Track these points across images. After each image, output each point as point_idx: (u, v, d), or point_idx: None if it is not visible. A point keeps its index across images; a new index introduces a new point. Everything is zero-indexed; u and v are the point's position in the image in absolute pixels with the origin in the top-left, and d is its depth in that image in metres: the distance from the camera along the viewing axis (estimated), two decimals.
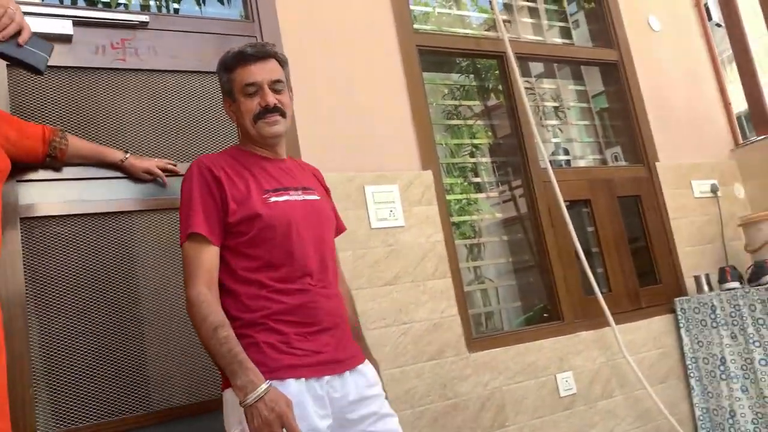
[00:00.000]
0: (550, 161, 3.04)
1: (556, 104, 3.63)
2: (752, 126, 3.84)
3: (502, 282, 3.46)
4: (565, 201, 2.96)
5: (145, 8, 2.58)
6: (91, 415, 1.90)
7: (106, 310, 1.99)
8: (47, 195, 1.97)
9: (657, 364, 3.05)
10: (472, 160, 3.61)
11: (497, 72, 3.29)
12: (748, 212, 3.54)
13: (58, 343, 1.91)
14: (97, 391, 1.92)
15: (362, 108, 2.62)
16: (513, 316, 3.41)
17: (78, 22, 2.11)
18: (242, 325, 1.55)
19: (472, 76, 3.63)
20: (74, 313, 1.94)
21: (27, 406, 1.80)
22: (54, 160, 1.91)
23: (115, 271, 2.03)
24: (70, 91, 2.09)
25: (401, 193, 2.59)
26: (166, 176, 2.13)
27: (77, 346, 1.93)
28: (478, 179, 3.56)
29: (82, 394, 1.90)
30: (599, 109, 3.66)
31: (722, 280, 3.09)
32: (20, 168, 1.89)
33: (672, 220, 3.33)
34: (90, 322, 1.96)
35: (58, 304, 1.93)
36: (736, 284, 3.03)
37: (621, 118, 3.50)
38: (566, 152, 3.61)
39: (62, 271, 1.96)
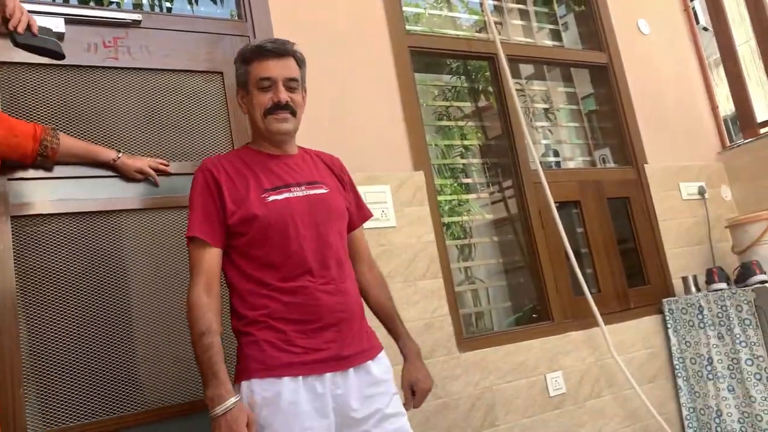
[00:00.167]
0: (540, 163, 3.06)
1: (546, 106, 3.65)
2: (739, 129, 3.89)
3: (493, 282, 3.48)
4: (555, 202, 2.98)
5: (137, 7, 2.57)
6: (81, 414, 1.90)
7: (96, 309, 1.98)
8: (39, 193, 1.97)
9: (645, 364, 3.08)
10: (463, 161, 3.62)
11: (488, 73, 3.31)
12: (734, 214, 3.58)
13: (48, 341, 1.90)
14: (87, 390, 1.92)
15: (354, 108, 2.63)
16: (503, 316, 3.43)
17: (70, 20, 2.10)
18: (246, 323, 1.59)
19: (463, 77, 3.64)
20: (65, 311, 1.94)
21: (17, 405, 1.80)
22: (45, 159, 1.90)
23: (107, 270, 2.03)
24: (61, 89, 2.08)
25: (393, 193, 2.60)
26: (159, 176, 2.13)
27: (68, 344, 1.92)
28: (469, 180, 3.58)
29: (73, 393, 1.90)
30: (588, 111, 3.69)
31: (709, 281, 3.12)
32: (11, 166, 1.88)
33: (660, 221, 3.36)
34: (81, 320, 1.95)
35: (49, 302, 1.92)
36: (723, 285, 3.07)
37: (610, 120, 3.53)
38: (556, 154, 3.64)
39: (53, 270, 1.95)
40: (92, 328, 1.96)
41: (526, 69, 3.69)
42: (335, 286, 1.63)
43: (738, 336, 2.86)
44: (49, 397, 1.87)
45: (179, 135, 2.24)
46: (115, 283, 2.03)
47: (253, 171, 1.67)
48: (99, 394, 1.93)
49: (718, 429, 2.92)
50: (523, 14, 3.65)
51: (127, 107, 2.18)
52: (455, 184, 3.55)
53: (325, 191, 1.71)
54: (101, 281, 2.01)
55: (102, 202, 2.05)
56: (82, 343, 1.94)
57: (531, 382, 2.74)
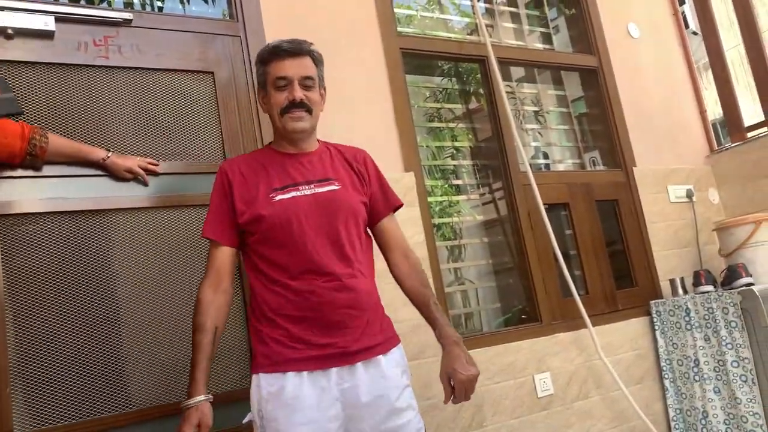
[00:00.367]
0: (530, 165, 3.07)
1: (536, 108, 3.67)
2: (727, 133, 3.93)
3: (482, 283, 3.49)
4: (544, 204, 3.00)
5: (128, 5, 2.57)
6: (68, 414, 1.89)
7: (84, 309, 1.98)
8: (27, 192, 1.96)
9: (633, 366, 3.10)
10: (454, 162, 3.64)
11: (479, 76, 3.32)
12: (722, 217, 3.62)
13: (35, 341, 1.89)
14: (75, 390, 1.91)
15: (345, 109, 2.63)
16: (492, 317, 3.44)
17: (60, 18, 2.09)
18: (257, 319, 1.68)
19: (454, 79, 3.66)
20: (52, 311, 1.93)
21: (3, 405, 1.79)
22: (34, 158, 1.90)
23: (96, 269, 2.02)
24: (51, 87, 2.07)
25: None
26: (149, 175, 2.12)
27: (55, 344, 1.92)
28: (459, 182, 3.59)
29: (60, 393, 1.89)
30: (578, 114, 3.71)
31: (697, 283, 3.15)
32: None
33: (648, 224, 3.39)
34: (69, 320, 1.95)
35: (36, 302, 1.92)
36: (709, 287, 3.09)
37: (599, 123, 3.55)
38: (546, 156, 3.66)
39: (41, 270, 1.94)
40: (80, 328, 1.96)
41: (517, 71, 3.71)
42: (340, 283, 1.64)
43: (724, 338, 2.89)
44: (37, 396, 1.86)
45: (169, 134, 2.24)
46: (104, 282, 2.03)
47: (267, 171, 1.73)
48: (87, 394, 1.93)
49: (704, 430, 2.94)
50: (514, 17, 3.67)
51: (117, 106, 2.17)
52: (446, 186, 3.56)
53: (335, 188, 1.72)
54: (90, 281, 2.00)
55: (91, 201, 2.05)
56: (70, 343, 1.94)
57: (519, 383, 2.75)
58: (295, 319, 1.63)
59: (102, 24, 2.18)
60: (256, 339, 1.67)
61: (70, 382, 1.91)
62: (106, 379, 1.96)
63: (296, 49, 1.72)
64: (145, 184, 2.12)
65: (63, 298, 1.95)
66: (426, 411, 2.47)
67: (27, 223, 1.95)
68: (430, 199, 2.95)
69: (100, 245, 2.05)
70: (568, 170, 3.56)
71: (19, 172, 1.94)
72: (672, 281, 3.23)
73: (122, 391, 1.98)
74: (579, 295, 2.94)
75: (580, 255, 3.19)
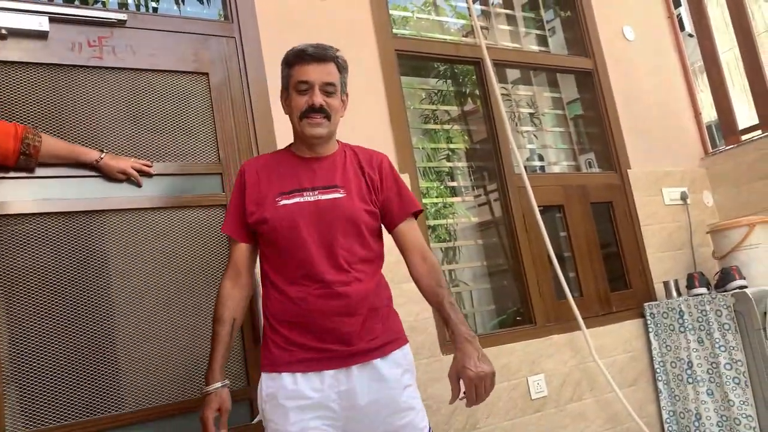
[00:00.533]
0: (525, 167, 3.08)
1: (531, 110, 3.68)
2: (721, 135, 3.94)
3: (477, 285, 3.49)
4: (539, 206, 3.00)
5: (123, 6, 2.56)
6: (61, 415, 1.89)
7: (78, 310, 1.97)
8: (20, 193, 1.95)
9: (626, 368, 3.11)
10: (449, 164, 3.64)
11: (474, 77, 3.32)
12: (716, 220, 3.63)
13: (29, 342, 1.89)
14: (68, 391, 1.91)
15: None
16: (487, 319, 3.45)
17: (54, 19, 2.09)
18: (264, 321, 1.75)
19: (449, 81, 3.66)
20: (46, 312, 1.93)
21: None
22: (28, 158, 1.89)
23: (89, 270, 2.02)
24: (45, 88, 2.07)
25: None
26: (143, 177, 2.12)
27: (49, 345, 1.91)
28: (454, 183, 3.59)
29: (54, 393, 1.89)
30: (573, 116, 3.72)
31: (690, 285, 3.15)
32: None
33: (643, 226, 3.40)
34: (62, 321, 1.94)
35: (29, 302, 1.91)
36: (703, 290, 3.10)
37: (595, 125, 3.56)
38: (541, 158, 3.67)
39: (34, 270, 1.94)
40: (74, 329, 1.95)
41: (513, 73, 3.72)
42: (331, 291, 1.65)
43: (717, 340, 2.90)
44: (30, 397, 1.86)
45: (164, 136, 2.24)
46: (98, 283, 2.02)
47: (280, 173, 1.76)
48: (81, 395, 1.92)
49: None
50: (510, 19, 3.68)
51: (111, 107, 2.17)
52: (441, 187, 3.56)
53: (338, 196, 1.72)
54: (83, 282, 2.00)
55: (85, 202, 2.04)
56: (63, 343, 1.93)
57: (513, 385, 2.76)
58: (291, 324, 1.67)
59: (96, 24, 2.18)
60: (262, 341, 1.74)
61: (64, 383, 1.91)
62: (100, 380, 1.96)
63: (321, 55, 1.73)
64: (138, 186, 2.12)
65: (56, 298, 1.95)
66: None
67: (20, 223, 1.95)
68: (425, 200, 2.96)
69: (94, 246, 2.04)
70: (563, 172, 3.56)
71: (12, 173, 1.93)
72: (666, 283, 3.24)
73: (117, 392, 1.98)
74: (573, 297, 2.95)
75: (575, 257, 3.19)
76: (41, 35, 2.07)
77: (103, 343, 1.99)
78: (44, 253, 1.96)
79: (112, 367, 1.99)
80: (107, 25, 2.20)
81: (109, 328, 2.01)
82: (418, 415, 1.69)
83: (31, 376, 1.87)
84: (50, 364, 1.90)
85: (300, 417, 1.60)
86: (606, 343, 3.07)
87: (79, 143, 2.06)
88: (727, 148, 3.75)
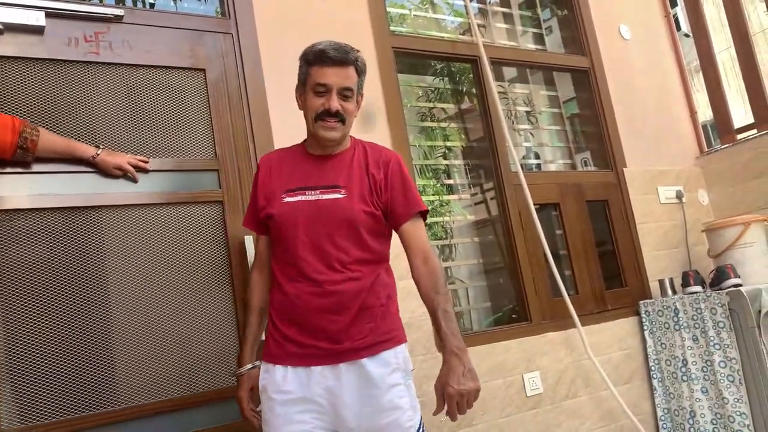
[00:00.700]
0: (521, 165, 3.08)
1: (528, 109, 3.68)
2: (717, 134, 3.95)
3: (473, 283, 3.50)
4: (535, 204, 3.01)
5: (119, 2, 2.55)
6: (56, 411, 1.89)
7: (74, 306, 1.97)
8: (16, 188, 1.95)
9: (621, 365, 3.12)
10: (445, 162, 3.64)
11: (471, 75, 3.33)
12: (711, 218, 3.64)
13: (25, 338, 1.89)
14: (63, 387, 1.91)
15: None
16: (482, 316, 3.45)
17: (51, 14, 2.09)
18: (268, 315, 1.81)
19: (446, 79, 3.66)
20: (41, 307, 1.92)
21: None
22: (25, 151, 1.88)
23: (85, 266, 2.02)
24: (41, 83, 2.06)
25: None
26: (139, 173, 2.12)
27: (45, 341, 1.91)
28: (450, 181, 3.59)
29: (48, 390, 1.89)
30: (570, 114, 3.72)
31: (685, 284, 3.17)
32: None
33: (638, 224, 3.41)
34: (58, 316, 1.94)
35: (25, 298, 1.91)
36: (698, 288, 3.12)
37: (591, 124, 3.56)
38: (537, 156, 3.67)
39: (30, 266, 1.94)
40: (70, 324, 1.95)
41: (509, 72, 3.72)
42: (322, 290, 1.67)
43: (712, 338, 2.91)
44: (25, 393, 1.85)
45: (160, 131, 2.24)
46: (94, 279, 2.02)
47: (290, 169, 1.80)
48: (76, 391, 1.92)
49: (692, 430, 2.97)
50: (507, 17, 3.68)
51: (107, 103, 2.17)
52: (437, 185, 3.56)
53: (338, 197, 1.73)
54: (79, 277, 2.00)
55: (81, 197, 2.04)
56: (59, 339, 1.93)
57: (508, 382, 2.76)
58: (287, 320, 1.71)
59: (93, 20, 2.17)
60: (265, 333, 1.81)
61: (60, 379, 1.91)
62: (96, 376, 1.96)
63: (342, 59, 1.71)
64: (135, 181, 2.12)
65: (52, 294, 1.95)
66: None
67: (16, 219, 1.94)
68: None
69: (90, 242, 2.04)
70: (559, 170, 3.57)
71: (9, 168, 1.93)
72: (661, 282, 3.25)
73: (112, 388, 1.98)
74: (568, 295, 2.95)
75: (570, 255, 3.20)
76: (37, 30, 2.06)
77: (99, 339, 1.99)
78: (40, 249, 1.96)
79: (108, 363, 1.99)
80: (104, 21, 2.19)
81: (105, 324, 2.01)
82: (405, 415, 1.68)
83: (27, 372, 1.87)
84: (46, 360, 1.90)
85: (285, 410, 1.66)
86: (601, 341, 3.08)
87: (75, 139, 2.05)
88: (723, 147, 3.76)
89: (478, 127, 3.28)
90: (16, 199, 1.94)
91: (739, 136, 3.76)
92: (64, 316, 1.95)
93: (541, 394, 2.83)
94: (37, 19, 2.05)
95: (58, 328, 1.94)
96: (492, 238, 3.35)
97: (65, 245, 2.00)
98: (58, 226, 2.00)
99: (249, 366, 1.82)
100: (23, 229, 1.95)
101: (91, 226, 2.05)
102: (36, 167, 1.97)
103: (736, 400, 2.82)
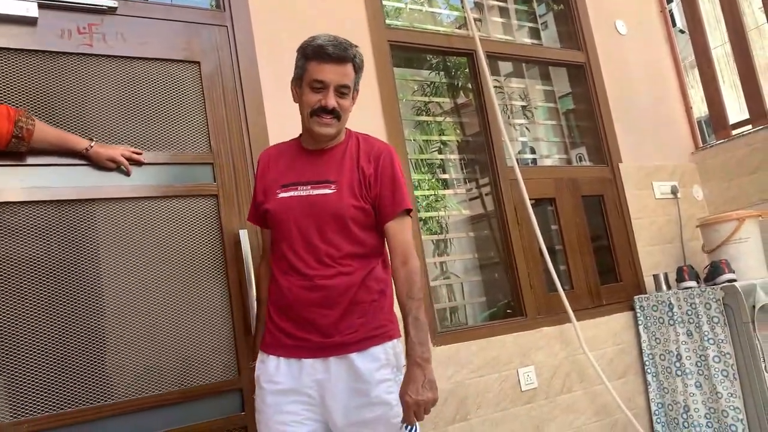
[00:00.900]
0: (517, 159, 3.08)
1: (523, 103, 3.68)
2: (712, 130, 3.95)
3: (468, 277, 3.50)
4: (530, 199, 3.00)
5: None
6: (49, 405, 1.87)
7: (66, 299, 1.96)
8: (8, 181, 1.93)
9: (616, 360, 3.12)
10: (441, 156, 3.63)
11: (467, 71, 3.32)
12: (705, 214, 3.65)
13: (15, 331, 1.87)
14: (56, 381, 1.90)
15: None
16: (477, 311, 3.45)
17: (43, 5, 2.07)
18: (266, 307, 1.84)
19: (442, 73, 3.65)
20: (33, 301, 1.91)
21: None
22: (20, 141, 1.86)
23: (78, 259, 2.00)
24: (33, 75, 2.04)
25: None
26: (133, 166, 2.10)
27: (36, 334, 1.90)
28: (446, 176, 3.58)
29: (41, 384, 1.88)
30: (566, 109, 3.72)
31: (680, 279, 3.17)
32: None
33: (633, 219, 3.41)
34: (50, 310, 1.93)
35: (17, 291, 1.89)
36: (693, 283, 3.12)
37: (586, 119, 3.56)
38: (533, 151, 3.67)
39: (22, 258, 1.92)
40: (62, 318, 1.94)
41: (505, 67, 3.71)
42: (312, 284, 1.70)
43: (706, 333, 2.92)
44: (17, 387, 1.84)
45: (154, 124, 2.22)
46: (87, 273, 2.01)
47: (285, 164, 1.82)
48: (69, 385, 1.91)
49: (686, 424, 2.98)
50: (503, 12, 3.67)
51: (101, 95, 2.15)
52: (432, 180, 3.55)
53: (328, 192, 1.73)
54: (72, 271, 1.98)
55: (75, 190, 2.02)
56: (52, 333, 1.92)
57: (503, 377, 2.77)
58: (281, 312, 1.75)
59: (86, 11, 2.15)
60: (265, 324, 1.83)
61: (52, 372, 1.90)
62: (90, 369, 1.95)
63: (340, 56, 1.71)
64: (128, 174, 2.10)
65: (45, 287, 1.93)
66: None
67: (8, 211, 1.93)
68: (416, 192, 2.95)
69: (83, 235, 2.03)
70: (554, 165, 3.57)
71: (1, 160, 1.91)
72: (656, 277, 3.25)
73: (106, 382, 1.97)
74: (564, 290, 2.96)
75: (566, 250, 3.20)
76: (30, 21, 2.04)
77: (93, 332, 1.98)
78: (33, 242, 1.95)
79: (102, 357, 1.98)
80: (97, 12, 2.17)
81: (98, 317, 2.00)
82: (393, 410, 1.67)
83: (19, 366, 1.86)
84: (38, 353, 1.89)
85: (276, 400, 1.69)
86: (596, 336, 3.08)
87: (69, 131, 2.03)
88: (718, 142, 3.76)
89: (474, 122, 3.27)
90: (8, 192, 1.92)
91: (734, 132, 3.77)
92: (57, 310, 1.94)
93: (536, 389, 2.84)
94: (29, 10, 2.03)
95: (51, 321, 1.92)
96: (487, 233, 3.34)
97: (58, 238, 1.99)
98: (51, 219, 1.99)
99: (259, 360, 1.84)
100: (16, 222, 1.93)
101: (85, 220, 2.04)
102: (30, 160, 1.96)
103: (729, 394, 2.83)
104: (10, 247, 1.91)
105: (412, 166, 3.11)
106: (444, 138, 3.60)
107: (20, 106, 1.99)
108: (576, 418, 2.93)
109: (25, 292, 1.91)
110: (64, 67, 2.10)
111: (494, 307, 3.35)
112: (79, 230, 2.02)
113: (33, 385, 1.87)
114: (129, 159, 2.09)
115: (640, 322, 3.21)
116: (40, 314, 1.91)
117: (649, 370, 3.14)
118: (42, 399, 1.87)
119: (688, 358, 2.99)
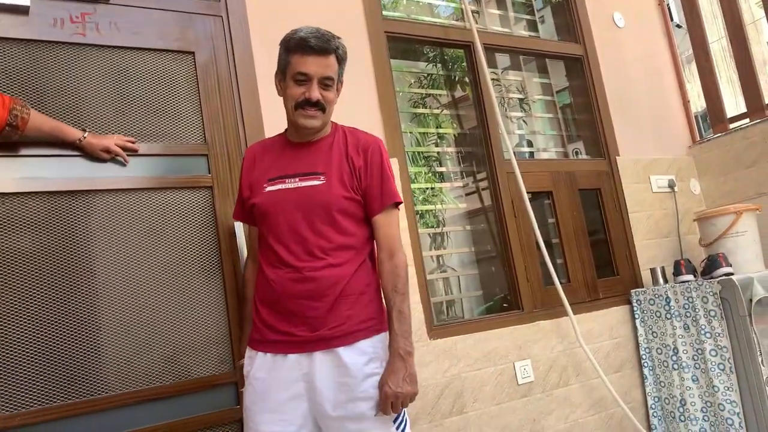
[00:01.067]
0: (514, 153, 3.07)
1: (521, 96, 3.66)
2: (709, 124, 3.95)
3: (465, 271, 3.49)
4: (527, 192, 2.99)
5: None
6: (43, 398, 1.86)
7: (59, 292, 1.94)
8: (1, 172, 1.90)
9: (612, 354, 3.12)
10: (438, 149, 3.61)
11: (464, 64, 3.30)
12: (702, 207, 3.64)
13: (9, 323, 1.85)
14: (50, 374, 1.88)
15: None
16: (474, 304, 3.44)
17: None
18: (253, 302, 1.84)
19: (439, 65, 3.63)
20: (27, 293, 1.89)
21: None
22: (14, 129, 1.83)
23: (72, 251, 1.98)
24: (25, 64, 2.02)
25: None
26: (129, 156, 2.08)
27: (28, 327, 1.88)
28: (443, 169, 3.57)
29: (34, 376, 1.86)
30: (563, 103, 3.70)
31: (677, 272, 3.17)
32: None
33: (630, 213, 3.41)
34: (43, 303, 1.91)
35: (11, 283, 1.87)
36: (689, 277, 3.12)
37: (584, 112, 3.55)
38: (530, 144, 3.66)
39: (16, 250, 1.90)
40: (58, 310, 1.92)
41: (503, 60, 3.69)
42: (300, 275, 1.69)
43: (703, 327, 2.91)
44: (11, 380, 1.82)
45: (148, 115, 2.20)
46: (81, 265, 1.99)
47: (272, 158, 1.81)
48: (63, 377, 1.89)
49: (682, 418, 2.97)
50: (501, 4, 3.65)
51: (94, 85, 2.12)
52: (429, 173, 3.54)
53: (317, 183, 1.73)
54: (66, 263, 1.96)
55: (69, 181, 2.00)
56: (47, 325, 1.90)
57: (500, 370, 2.76)
58: (267, 306, 1.74)
59: (79, 0, 2.12)
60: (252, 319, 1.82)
61: (46, 365, 1.88)
62: (84, 362, 1.93)
63: (323, 48, 1.70)
64: (124, 164, 2.08)
65: (39, 279, 1.91)
66: None
67: (1, 203, 1.90)
68: (413, 185, 2.93)
69: (77, 227, 2.00)
70: (551, 159, 3.56)
71: None
72: (652, 270, 3.25)
73: (100, 374, 1.95)
74: (560, 283, 2.95)
75: (563, 244, 3.19)
76: (22, 10, 2.01)
77: (87, 325, 1.96)
78: (26, 234, 1.92)
79: (96, 349, 1.96)
80: (90, 1, 2.14)
81: (92, 310, 1.98)
82: (375, 408, 1.66)
83: (12, 358, 1.84)
84: (32, 346, 1.87)
85: (263, 396, 1.69)
86: (592, 329, 3.08)
87: (61, 122, 2.01)
88: (715, 136, 3.76)
89: (471, 115, 3.25)
90: (1, 183, 1.90)
91: (731, 126, 3.76)
92: (51, 302, 1.92)
93: (533, 382, 2.83)
94: None
95: (45, 313, 1.90)
96: (484, 226, 3.33)
97: (52, 230, 1.96)
98: (44, 210, 1.96)
99: (247, 357, 1.82)
100: (9, 213, 1.91)
101: (78, 211, 2.01)
102: (23, 151, 1.93)
103: (726, 388, 2.83)
104: (2, 239, 1.89)
105: (409, 159, 3.10)
106: (441, 131, 3.59)
107: (12, 95, 1.96)
108: (572, 412, 2.92)
109: (18, 284, 1.88)
110: (56, 57, 2.07)
111: (491, 301, 3.34)
112: (72, 222, 2.00)
113: (26, 378, 1.85)
114: (123, 148, 2.07)
115: (636, 316, 3.20)
116: (33, 307, 1.89)
117: (645, 364, 3.14)
118: (35, 392, 1.85)
119: (684, 351, 2.99)
